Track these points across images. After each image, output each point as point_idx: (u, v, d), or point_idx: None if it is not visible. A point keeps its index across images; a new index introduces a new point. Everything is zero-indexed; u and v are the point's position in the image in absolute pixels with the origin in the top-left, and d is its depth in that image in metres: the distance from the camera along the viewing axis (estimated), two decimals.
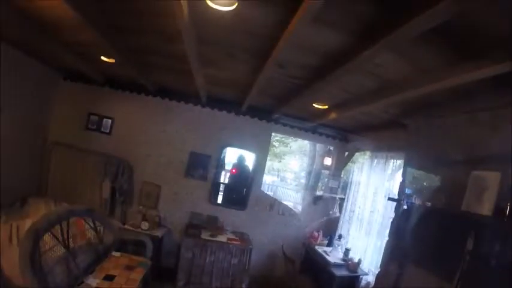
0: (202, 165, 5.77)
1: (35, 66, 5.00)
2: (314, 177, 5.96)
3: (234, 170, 6.21)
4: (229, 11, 2.10)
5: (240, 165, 6.09)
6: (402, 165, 4.15)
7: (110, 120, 5.67)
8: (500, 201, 2.39)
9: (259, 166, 5.95)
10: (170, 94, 5.61)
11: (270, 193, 6.12)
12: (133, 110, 5.66)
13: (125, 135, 5.65)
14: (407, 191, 3.77)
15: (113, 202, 5.60)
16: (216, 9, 2.10)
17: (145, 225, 5.22)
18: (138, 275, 3.81)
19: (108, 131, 5.67)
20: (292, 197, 6.14)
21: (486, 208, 2.47)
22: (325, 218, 6.15)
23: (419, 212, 3.47)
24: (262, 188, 5.87)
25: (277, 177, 6.62)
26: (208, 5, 2.06)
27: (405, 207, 3.78)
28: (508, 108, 2.57)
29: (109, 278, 3.64)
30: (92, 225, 4.16)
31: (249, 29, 2.45)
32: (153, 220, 5.43)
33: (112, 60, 4.11)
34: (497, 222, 2.40)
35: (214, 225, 5.63)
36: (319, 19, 1.94)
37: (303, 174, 6.20)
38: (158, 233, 5.22)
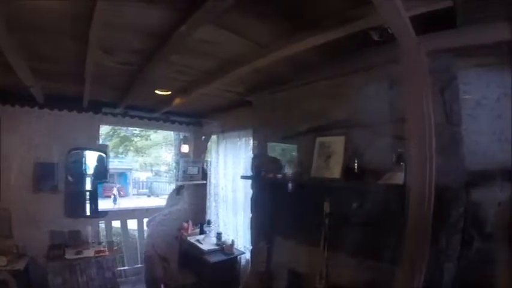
0: (51, 175, 5.12)
1: None
2: (182, 166, 5.73)
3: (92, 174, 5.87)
4: None
5: (97, 166, 5.83)
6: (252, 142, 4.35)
7: None
8: (348, 162, 2.45)
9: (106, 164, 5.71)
10: (2, 98, 4.73)
11: (145, 190, 5.73)
12: None
13: None
14: (259, 166, 3.86)
15: None
16: None
17: (2, 260, 4.43)
18: None
19: None
20: (167, 190, 5.86)
21: (335, 171, 2.56)
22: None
23: (274, 185, 3.65)
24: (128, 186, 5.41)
25: (152, 172, 6.33)
26: None
27: (259, 183, 3.98)
28: (343, 76, 2.68)
29: None
30: None
31: (62, 9, 2.14)
32: (11, 252, 4.70)
33: None
34: (347, 182, 2.63)
35: (77, 240, 5.23)
36: None
37: (174, 165, 5.96)
38: (19, 265, 4.54)
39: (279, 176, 3.39)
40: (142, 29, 2.40)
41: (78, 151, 5.53)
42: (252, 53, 2.68)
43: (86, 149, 5.63)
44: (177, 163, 6.19)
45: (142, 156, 5.93)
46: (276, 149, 3.82)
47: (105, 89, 4.38)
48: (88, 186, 5.84)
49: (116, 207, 6.29)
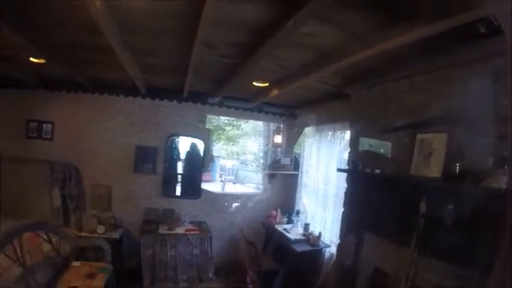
0: (150, 158, 5.92)
1: None
2: (270, 156, 5.87)
3: (185, 159, 6.51)
4: None
5: (194, 152, 6.40)
6: (349, 135, 4.41)
7: (50, 125, 5.70)
8: (449, 161, 2.35)
9: (207, 151, 6.26)
10: (108, 89, 5.71)
11: (231, 177, 5.97)
12: (72, 110, 5.76)
13: (68, 138, 5.77)
14: (356, 160, 3.90)
15: (65, 210, 5.69)
16: None
17: (101, 229, 5.30)
18: (100, 281, 3.93)
19: (49, 136, 5.71)
20: (253, 179, 6.12)
21: (435, 170, 2.48)
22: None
23: (370, 180, 3.66)
24: (222, 172, 5.70)
25: (238, 161, 6.59)
26: None
27: (356, 177, 3.98)
28: (444, 70, 2.55)
29: None
30: (46, 238, 4.19)
31: (168, 11, 2.47)
32: (109, 222, 5.59)
33: (42, 61, 4.09)
34: (448, 183, 2.49)
35: (170, 218, 5.93)
36: None
37: (261, 154, 6.10)
38: (115, 234, 5.40)
39: (376, 171, 3.39)
40: (243, 24, 2.58)
41: (176, 137, 6.25)
42: (350, 46, 2.73)
43: (185, 135, 6.25)
44: (265, 153, 6.37)
45: (233, 144, 6.16)
46: (371, 144, 3.74)
47: (204, 80, 4.86)
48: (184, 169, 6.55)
49: (215, 190, 6.63)
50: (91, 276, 3.91)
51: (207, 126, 6.06)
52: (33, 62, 4.12)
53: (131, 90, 5.64)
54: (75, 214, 5.74)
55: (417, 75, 3.04)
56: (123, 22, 2.64)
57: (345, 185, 4.22)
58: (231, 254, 6.30)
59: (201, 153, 6.28)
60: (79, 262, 4.26)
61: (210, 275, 5.45)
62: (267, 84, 4.45)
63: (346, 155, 4.60)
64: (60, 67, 4.22)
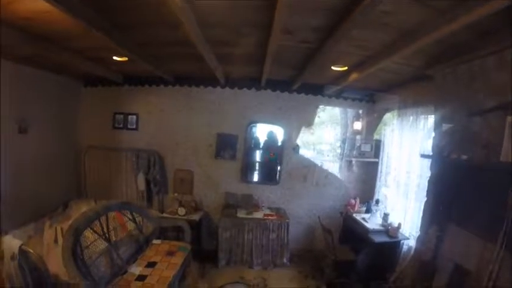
0: (231, 145, 6.22)
1: (53, 80, 5.62)
2: (348, 144, 5.71)
3: (263, 147, 6.53)
4: None
5: (272, 139, 6.49)
6: (433, 120, 4.10)
7: (134, 116, 6.38)
8: None
9: (288, 139, 6.25)
10: (188, 81, 6.15)
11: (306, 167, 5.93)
12: (155, 102, 6.35)
13: (152, 128, 6.39)
14: (441, 146, 3.72)
15: (149, 193, 6.24)
16: None
17: (182, 211, 5.77)
18: (178, 259, 4.28)
19: (134, 126, 6.39)
20: (330, 169, 5.96)
21: None
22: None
23: (455, 168, 3.43)
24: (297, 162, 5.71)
25: (313, 151, 6.49)
26: None
27: (441, 163, 3.76)
28: None
29: (151, 264, 4.04)
30: (130, 217, 4.62)
31: (246, 2, 2.54)
32: (189, 205, 6.03)
33: (125, 59, 4.52)
34: None
35: (249, 203, 6.15)
36: None
37: (338, 144, 5.95)
38: (195, 217, 5.83)
39: (463, 157, 3.13)
40: (321, 7, 2.53)
41: (255, 125, 6.36)
42: (432, 22, 2.53)
43: (265, 123, 6.37)
44: (343, 141, 6.17)
45: (312, 133, 6.08)
46: (459, 128, 3.44)
47: (282, 68, 4.87)
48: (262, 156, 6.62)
49: None
50: (170, 253, 4.21)
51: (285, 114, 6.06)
52: (116, 60, 4.54)
53: (211, 81, 5.92)
54: (157, 197, 6.25)
55: (506, 50, 2.73)
56: (202, 16, 2.74)
57: (428, 174, 4.00)
58: (307, 241, 6.38)
59: (277, 141, 6.36)
60: (159, 240, 4.61)
61: (285, 261, 5.55)
62: (345, 68, 4.34)
63: (429, 141, 4.33)
64: (142, 63, 4.44)
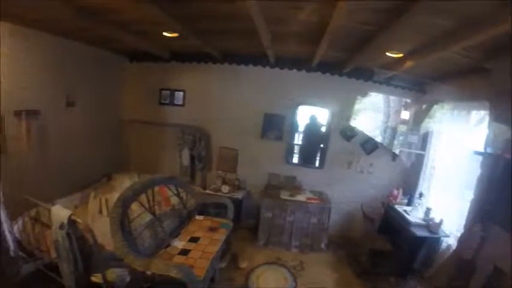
0: (277, 125, 6.26)
1: (99, 54, 5.81)
2: (390, 133, 5.59)
3: (309, 129, 6.48)
4: None
5: (314, 123, 6.45)
6: (488, 115, 3.95)
7: (181, 93, 6.51)
8: None
9: (336, 123, 6.18)
10: (237, 59, 6.17)
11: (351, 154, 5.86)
12: (202, 79, 6.45)
13: (198, 104, 6.52)
14: (494, 144, 3.61)
15: (192, 169, 6.44)
16: None
17: (225, 188, 5.96)
18: (220, 235, 4.43)
19: (181, 103, 6.53)
20: (374, 157, 5.89)
21: None
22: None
23: (507, 168, 3.31)
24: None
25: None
26: None
27: (492, 162, 3.61)
28: None
29: (194, 239, 4.18)
30: (174, 191, 4.81)
31: None
32: (233, 183, 6.22)
33: (175, 35, 4.43)
34: None
35: (292, 185, 6.24)
36: None
37: (378, 132, 5.84)
38: (238, 195, 5.98)
39: None
40: None
41: (303, 107, 6.27)
42: (501, 12, 2.36)
43: (313, 105, 6.28)
44: (384, 130, 6.04)
45: (354, 119, 5.94)
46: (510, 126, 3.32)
47: (335, 50, 4.71)
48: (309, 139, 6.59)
49: None
50: (213, 229, 4.37)
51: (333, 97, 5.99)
52: (166, 36, 4.47)
53: (260, 60, 5.94)
54: (201, 173, 6.46)
55: None
56: None
57: (477, 172, 3.86)
58: (345, 228, 6.38)
59: (324, 124, 6.29)
60: (202, 216, 4.78)
61: (323, 246, 5.62)
62: (401, 54, 4.18)
63: (481, 138, 4.18)
64: (192, 39, 4.48)
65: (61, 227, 3.23)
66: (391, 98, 6.11)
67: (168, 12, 3.34)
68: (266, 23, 3.53)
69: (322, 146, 6.29)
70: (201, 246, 3.93)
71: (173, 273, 2.99)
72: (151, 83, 6.53)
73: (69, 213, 3.24)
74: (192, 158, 6.31)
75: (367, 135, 6.09)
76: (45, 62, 4.61)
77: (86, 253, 3.32)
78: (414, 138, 5.94)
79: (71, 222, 3.18)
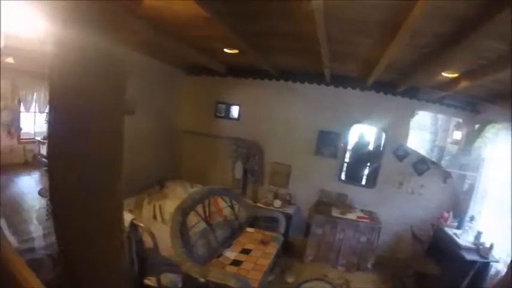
0: (332, 143, 6.34)
1: (158, 66, 6.12)
2: (438, 153, 5.56)
3: (363, 148, 6.78)
4: None
5: (363, 141, 6.72)
6: None
7: (237, 107, 6.83)
8: None
9: (388, 142, 6.22)
10: (293, 76, 6.39)
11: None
12: (258, 95, 6.70)
13: (253, 119, 6.78)
14: None
15: (244, 182, 6.64)
16: None
17: (277, 203, 6.10)
18: (272, 249, 4.59)
19: (236, 116, 6.84)
20: (419, 177, 5.86)
21: None
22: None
23: None
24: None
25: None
26: None
27: None
28: None
29: (245, 251, 4.31)
30: (228, 203, 5.05)
31: (377, 2, 2.56)
32: (284, 198, 6.33)
33: (235, 51, 4.68)
34: None
35: (343, 203, 6.30)
36: None
37: (423, 151, 5.83)
38: (289, 210, 6.11)
39: None
40: (450, 15, 2.52)
41: (357, 125, 6.46)
42: None
43: (367, 124, 6.47)
44: (431, 150, 5.99)
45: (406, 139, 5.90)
46: None
47: (390, 70, 4.66)
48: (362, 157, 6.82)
49: None
50: (264, 243, 4.51)
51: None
52: (226, 52, 4.72)
53: (315, 78, 6.14)
54: (252, 186, 6.67)
55: None
56: (329, 11, 2.68)
57: None
58: (392, 249, 6.28)
59: (379, 143, 6.44)
60: (253, 229, 4.92)
61: (369, 265, 5.61)
62: (456, 74, 4.25)
63: None
64: (251, 56, 4.67)
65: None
66: (439, 116, 6.07)
67: (235, 30, 3.50)
68: (328, 43, 3.62)
69: (373, 164, 6.40)
70: (253, 258, 4.07)
71: (231, 283, 3.16)
72: (207, 96, 6.88)
73: (131, 217, 3.48)
74: (245, 171, 6.53)
75: (420, 156, 6.09)
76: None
77: (142, 257, 3.50)
78: (466, 159, 5.87)
79: (133, 225, 3.36)
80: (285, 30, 3.58)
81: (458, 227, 5.43)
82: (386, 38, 3.17)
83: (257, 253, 4.17)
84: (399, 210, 6.25)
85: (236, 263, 3.92)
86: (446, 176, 6.12)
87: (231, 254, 4.09)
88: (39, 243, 4.29)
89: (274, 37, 3.99)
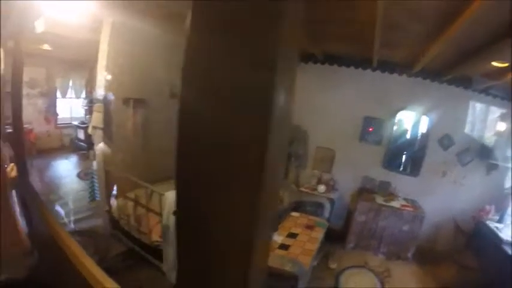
0: (377, 129, 6.25)
1: None
2: (482, 144, 5.46)
3: (407, 135, 6.63)
4: None
5: (413, 130, 6.56)
6: None
7: None
8: None
9: (434, 131, 6.11)
10: (339, 60, 6.32)
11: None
12: (303, 78, 6.42)
13: (298, 103, 5.96)
14: None
15: (287, 166, 6.51)
16: None
17: (321, 188, 6.12)
18: (318, 234, 4.66)
19: None
20: (463, 168, 5.77)
21: None
22: None
23: None
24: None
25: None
26: None
27: None
28: None
29: (292, 235, 4.44)
30: None
31: None
32: (328, 183, 6.35)
33: None
34: None
35: (386, 190, 6.23)
36: None
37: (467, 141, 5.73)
38: (333, 195, 6.16)
39: None
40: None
41: (404, 112, 6.33)
42: None
43: (415, 111, 6.30)
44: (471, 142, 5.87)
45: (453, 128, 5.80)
46: None
47: (440, 58, 4.56)
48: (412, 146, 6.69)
49: None
50: (309, 227, 4.59)
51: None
52: None
53: (361, 63, 6.08)
54: (295, 171, 6.73)
55: None
56: None
57: None
58: (432, 239, 6.20)
59: (424, 131, 6.32)
60: (298, 213, 4.96)
61: (409, 255, 5.58)
62: (506, 64, 4.06)
63: None
64: (304, 42, 4.65)
65: (174, 212, 3.54)
66: (478, 106, 5.92)
67: None
68: (380, 28, 3.58)
69: (417, 153, 6.35)
70: (300, 242, 4.17)
71: (288, 267, 3.23)
72: None
73: None
74: (289, 155, 6.49)
75: (465, 146, 5.99)
76: (152, 54, 5.06)
77: None
78: (510, 152, 5.74)
79: None
80: (342, 15, 3.53)
81: (499, 221, 5.39)
82: (443, 26, 3.13)
83: (304, 237, 4.26)
84: (441, 200, 6.20)
85: (284, 247, 4.04)
86: (490, 168, 6.08)
87: (278, 237, 4.18)
88: (80, 225, 4.44)
89: (328, 23, 3.90)
